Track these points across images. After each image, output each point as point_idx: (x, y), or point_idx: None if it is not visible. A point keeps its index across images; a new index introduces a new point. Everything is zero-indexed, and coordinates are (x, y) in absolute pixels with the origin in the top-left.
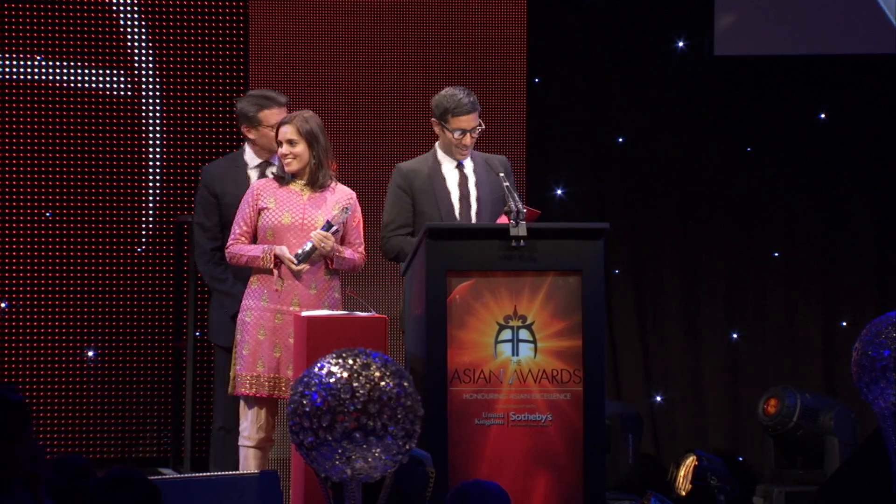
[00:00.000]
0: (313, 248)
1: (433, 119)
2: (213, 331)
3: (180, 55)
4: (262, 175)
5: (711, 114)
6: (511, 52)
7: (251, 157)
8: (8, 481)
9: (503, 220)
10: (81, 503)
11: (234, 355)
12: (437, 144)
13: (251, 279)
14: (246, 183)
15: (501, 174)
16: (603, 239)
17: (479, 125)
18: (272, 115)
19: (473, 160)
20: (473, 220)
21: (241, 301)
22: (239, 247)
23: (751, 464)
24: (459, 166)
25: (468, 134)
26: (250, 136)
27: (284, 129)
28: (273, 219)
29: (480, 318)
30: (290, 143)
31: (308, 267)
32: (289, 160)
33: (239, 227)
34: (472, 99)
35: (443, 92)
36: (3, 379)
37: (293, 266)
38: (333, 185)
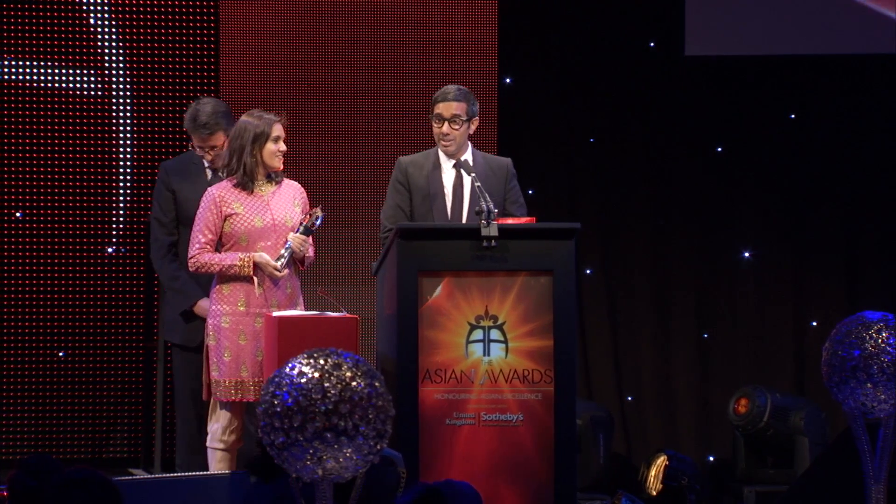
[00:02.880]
0: (292, 252)
1: (431, 116)
2: (167, 328)
3: (150, 55)
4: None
5: (682, 114)
6: (482, 52)
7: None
8: None
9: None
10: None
11: (210, 361)
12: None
13: (220, 285)
14: (201, 179)
15: (473, 175)
16: (574, 239)
17: (462, 117)
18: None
19: (475, 161)
20: (465, 221)
21: (191, 300)
22: (208, 256)
23: (721, 463)
24: (457, 166)
25: (446, 123)
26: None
27: (280, 127)
28: (244, 224)
29: (451, 319)
30: (284, 141)
31: (287, 271)
32: (280, 157)
33: (204, 235)
34: (459, 92)
35: None
36: None
37: (277, 273)
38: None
